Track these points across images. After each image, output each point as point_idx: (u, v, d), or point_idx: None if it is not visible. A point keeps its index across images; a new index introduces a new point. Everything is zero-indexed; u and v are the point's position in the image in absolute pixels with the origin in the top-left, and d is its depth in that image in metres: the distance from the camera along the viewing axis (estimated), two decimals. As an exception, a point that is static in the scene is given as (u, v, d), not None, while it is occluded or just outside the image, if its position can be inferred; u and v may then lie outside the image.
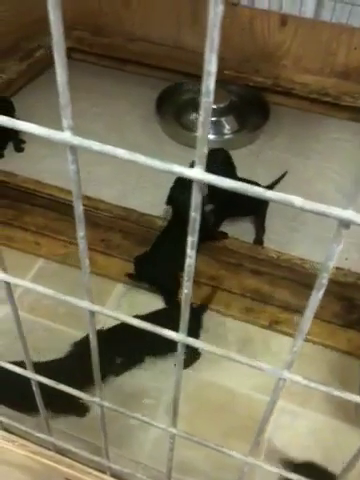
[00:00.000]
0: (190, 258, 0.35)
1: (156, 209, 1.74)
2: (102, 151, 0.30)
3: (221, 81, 2.07)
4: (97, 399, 0.53)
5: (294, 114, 2.14)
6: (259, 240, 1.63)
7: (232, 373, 1.41)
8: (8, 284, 0.46)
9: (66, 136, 0.30)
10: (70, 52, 2.32)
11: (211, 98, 0.27)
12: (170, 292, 1.53)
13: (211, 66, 0.25)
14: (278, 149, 2.00)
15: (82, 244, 0.37)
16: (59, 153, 2.07)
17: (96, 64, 2.27)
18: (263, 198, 0.28)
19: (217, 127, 1.98)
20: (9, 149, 1.94)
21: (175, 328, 0.40)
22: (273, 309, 1.56)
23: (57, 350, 1.45)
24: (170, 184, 1.71)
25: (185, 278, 0.37)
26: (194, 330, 1.44)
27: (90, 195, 1.79)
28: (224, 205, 1.53)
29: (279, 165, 1.88)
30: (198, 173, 0.28)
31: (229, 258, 1.62)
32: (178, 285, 1.54)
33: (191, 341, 0.40)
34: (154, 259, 1.52)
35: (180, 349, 0.42)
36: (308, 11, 2.01)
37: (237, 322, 1.53)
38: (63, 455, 0.69)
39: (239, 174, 1.66)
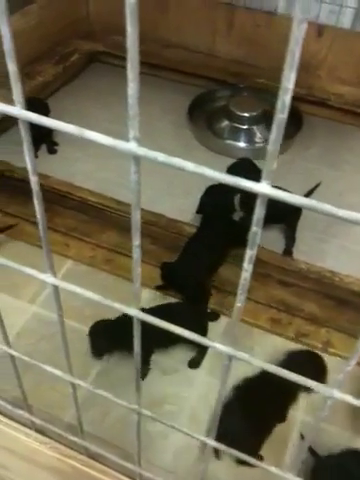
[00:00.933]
0: (246, 272, 0.34)
1: (185, 215, 1.74)
2: (168, 163, 0.30)
3: (254, 89, 2.09)
4: (136, 406, 0.53)
5: (327, 125, 2.12)
6: (289, 251, 1.62)
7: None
8: (56, 287, 0.46)
9: (132, 147, 0.30)
10: (105, 57, 2.35)
11: (286, 114, 0.26)
12: (198, 300, 1.53)
13: (289, 83, 0.24)
14: (310, 160, 1.98)
15: (136, 253, 0.37)
16: (91, 156, 2.11)
17: (130, 69, 2.28)
18: (319, 212, 0.28)
19: (249, 136, 1.98)
20: (42, 151, 1.96)
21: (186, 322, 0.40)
22: (300, 321, 1.54)
23: (82, 352, 1.46)
24: (199, 191, 1.72)
25: (239, 291, 0.37)
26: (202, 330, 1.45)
27: (120, 199, 1.81)
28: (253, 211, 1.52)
29: (311, 176, 1.86)
30: (266, 188, 0.28)
31: (257, 268, 1.59)
32: (207, 293, 1.54)
33: (240, 356, 0.39)
34: (183, 266, 1.52)
35: (228, 362, 0.41)
36: (345, 22, 1.99)
37: (264, 333, 1.52)
38: (94, 459, 0.69)
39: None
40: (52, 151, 1.96)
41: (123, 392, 1.49)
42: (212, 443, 0.53)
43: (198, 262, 1.51)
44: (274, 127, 0.27)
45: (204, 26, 2.11)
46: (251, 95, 2.07)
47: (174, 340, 1.40)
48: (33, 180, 0.37)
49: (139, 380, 0.51)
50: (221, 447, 0.52)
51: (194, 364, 1.46)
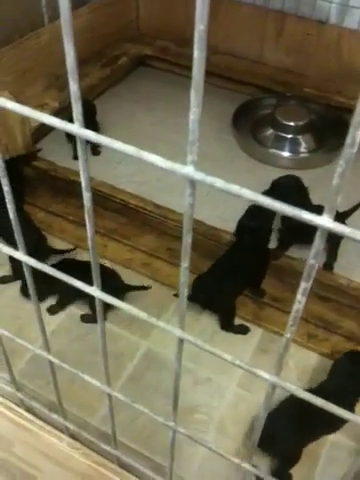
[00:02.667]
0: (299, 303, 0.33)
1: (225, 223, 1.73)
2: (225, 189, 0.29)
3: (301, 98, 2.05)
4: (172, 424, 0.52)
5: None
6: (329, 265, 1.58)
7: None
8: (100, 301, 0.46)
9: (189, 170, 0.30)
10: (152, 61, 2.36)
11: (355, 149, 0.25)
12: (227, 316, 1.51)
13: (361, 117, 0.23)
14: (357, 173, 1.93)
15: (184, 276, 0.37)
16: (133, 159, 2.12)
17: (179, 75, 2.29)
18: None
19: (293, 145, 1.95)
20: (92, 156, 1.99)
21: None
22: (337, 338, 1.51)
23: (114, 354, 1.47)
24: (240, 199, 1.69)
25: (290, 322, 0.36)
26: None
27: (159, 203, 1.81)
28: (295, 230, 1.49)
29: (356, 189, 1.82)
30: (328, 222, 0.27)
31: (295, 280, 1.57)
32: (234, 309, 1.52)
33: (285, 386, 0.38)
34: (212, 283, 1.48)
35: (271, 389, 0.40)
36: None
37: (298, 347, 1.49)
38: (125, 469, 0.69)
39: (313, 195, 1.62)
40: (96, 152, 1.99)
41: (153, 397, 1.50)
42: (247, 467, 0.52)
43: (229, 280, 1.49)
44: (342, 161, 0.25)
45: (253, 33, 2.09)
46: (297, 104, 2.04)
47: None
48: (86, 196, 0.37)
49: (177, 398, 0.50)
50: (256, 472, 0.51)
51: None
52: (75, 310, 1.60)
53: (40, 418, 0.72)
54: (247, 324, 1.55)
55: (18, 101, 1.45)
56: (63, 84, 1.97)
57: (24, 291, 1.58)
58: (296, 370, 1.43)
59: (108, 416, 1.34)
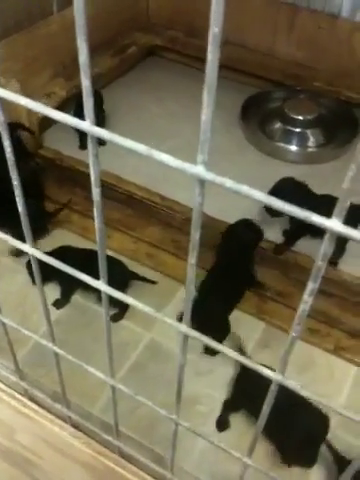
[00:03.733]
0: (306, 303, 0.34)
1: (229, 216, 1.72)
2: (235, 190, 0.29)
3: (311, 92, 2.04)
4: (174, 417, 0.53)
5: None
6: (334, 261, 1.58)
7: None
8: (106, 296, 0.46)
9: (199, 170, 0.30)
10: (162, 51, 2.35)
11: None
12: (223, 334, 1.47)
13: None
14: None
15: (190, 272, 0.37)
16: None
17: (188, 65, 2.27)
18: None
19: (301, 139, 1.93)
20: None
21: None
22: (340, 334, 1.51)
23: (114, 345, 1.48)
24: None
25: (295, 321, 0.36)
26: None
27: (165, 195, 1.80)
28: (301, 223, 1.49)
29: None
30: (338, 226, 0.27)
31: (299, 275, 1.57)
32: (228, 327, 1.48)
33: (289, 384, 0.38)
34: (204, 302, 1.43)
35: (275, 387, 0.41)
36: None
37: (300, 342, 1.49)
38: (126, 459, 0.69)
39: (320, 190, 1.61)
40: (102, 142, 1.98)
41: (155, 388, 1.51)
42: (249, 462, 0.52)
43: (220, 296, 1.47)
44: (353, 166, 0.25)
45: (264, 25, 2.07)
46: (307, 98, 2.02)
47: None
48: (95, 192, 0.37)
49: (180, 391, 0.50)
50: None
51: (114, 319, 1.55)
52: (78, 299, 1.61)
53: (43, 407, 0.73)
54: (249, 317, 1.56)
55: (26, 89, 1.45)
56: (71, 73, 1.96)
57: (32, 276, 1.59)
58: (297, 365, 1.44)
59: (109, 405, 1.35)
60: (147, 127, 2.03)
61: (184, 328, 0.42)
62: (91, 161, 0.35)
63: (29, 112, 1.79)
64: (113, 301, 1.47)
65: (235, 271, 1.51)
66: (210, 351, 1.46)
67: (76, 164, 1.84)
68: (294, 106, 1.95)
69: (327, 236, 0.29)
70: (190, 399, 1.39)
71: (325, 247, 0.29)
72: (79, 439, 0.71)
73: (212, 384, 1.44)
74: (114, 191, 1.82)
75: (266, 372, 0.39)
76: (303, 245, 1.61)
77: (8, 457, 0.92)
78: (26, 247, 0.46)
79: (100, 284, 0.45)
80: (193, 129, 2.11)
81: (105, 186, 1.87)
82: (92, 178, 0.36)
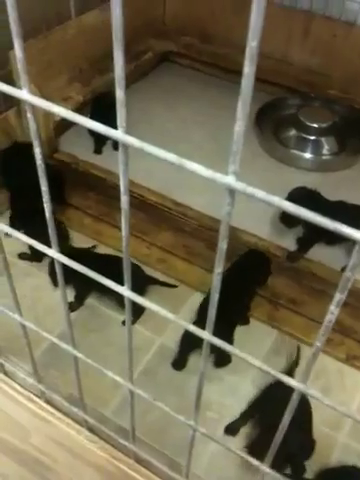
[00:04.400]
0: (332, 314, 0.34)
1: (245, 224, 1.73)
2: (266, 200, 0.30)
3: (325, 100, 2.04)
4: (192, 423, 0.53)
5: None
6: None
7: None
8: (129, 302, 0.47)
9: (230, 180, 0.30)
10: (176, 57, 2.36)
11: None
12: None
13: None
14: None
15: (216, 281, 0.37)
16: (154, 156, 2.12)
17: (202, 72, 2.29)
18: None
19: (315, 147, 1.93)
20: (107, 146, 2.00)
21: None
22: (352, 343, 1.50)
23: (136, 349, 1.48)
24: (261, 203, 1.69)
25: (321, 332, 0.36)
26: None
27: (179, 200, 1.81)
28: (316, 230, 1.48)
29: None
30: (369, 238, 0.27)
31: (313, 283, 1.57)
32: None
33: (313, 394, 0.39)
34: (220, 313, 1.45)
35: (297, 397, 0.41)
36: None
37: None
38: (141, 465, 0.69)
39: (334, 198, 1.61)
40: (117, 147, 1.99)
41: (166, 392, 1.51)
42: (267, 470, 0.52)
43: (230, 306, 1.48)
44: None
45: (279, 32, 2.08)
46: (322, 106, 2.03)
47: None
48: (124, 199, 0.37)
49: (200, 398, 0.51)
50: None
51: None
52: (93, 302, 1.62)
53: (59, 410, 0.73)
54: (261, 325, 1.56)
55: (42, 94, 1.47)
56: (87, 78, 1.98)
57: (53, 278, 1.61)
58: (310, 373, 1.43)
59: (120, 409, 1.36)
60: (159, 132, 2.04)
61: (207, 336, 0.42)
62: (121, 169, 0.36)
63: (45, 116, 1.81)
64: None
65: (243, 288, 1.53)
66: (220, 364, 1.46)
67: (91, 168, 1.85)
68: (309, 113, 1.95)
69: (357, 248, 0.29)
70: (202, 405, 1.39)
71: (354, 258, 0.29)
72: (95, 443, 0.71)
73: (222, 391, 1.43)
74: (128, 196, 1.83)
75: (289, 381, 0.39)
76: (316, 253, 1.60)
77: (21, 460, 0.92)
78: (51, 252, 0.46)
79: (124, 290, 0.45)
80: (204, 135, 2.14)
81: (118, 190, 1.89)
82: (121, 186, 0.37)
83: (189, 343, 1.45)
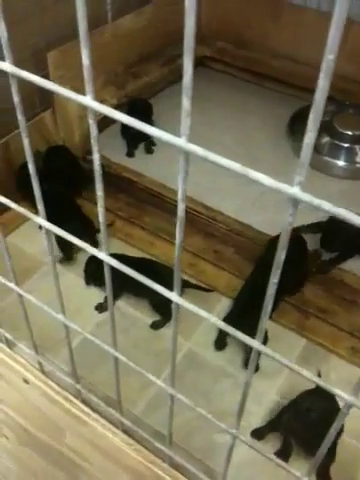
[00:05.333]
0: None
1: (274, 229, 1.72)
2: (332, 212, 0.30)
3: (359, 107, 2.02)
4: (234, 431, 0.53)
5: None
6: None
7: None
8: (177, 305, 0.47)
9: (295, 191, 0.30)
10: (210, 62, 2.37)
11: None
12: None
13: None
14: None
15: (271, 290, 0.37)
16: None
17: (235, 77, 2.29)
18: None
19: (349, 154, 1.91)
20: (139, 150, 2.01)
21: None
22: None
23: (155, 351, 1.49)
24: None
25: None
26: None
27: (209, 205, 1.81)
28: (352, 244, 1.47)
29: None
30: None
31: (344, 293, 1.55)
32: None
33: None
34: (241, 315, 1.43)
35: (346, 410, 0.40)
36: None
37: (342, 361, 1.47)
38: (176, 469, 0.69)
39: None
40: (150, 151, 2.01)
41: (192, 397, 1.50)
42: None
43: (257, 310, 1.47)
44: None
45: (316, 39, 2.04)
46: (356, 113, 2.00)
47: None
48: (180, 207, 0.38)
49: (244, 406, 0.51)
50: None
51: (155, 326, 1.55)
52: (118, 303, 1.63)
53: (95, 411, 0.74)
54: (290, 333, 1.54)
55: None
56: (122, 81, 2.00)
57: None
58: (338, 384, 1.41)
59: (146, 411, 1.36)
60: (191, 135, 2.04)
61: (257, 345, 0.42)
62: (181, 177, 0.36)
63: (80, 119, 1.83)
64: (160, 310, 1.48)
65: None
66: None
67: (123, 171, 1.87)
68: (343, 121, 1.93)
69: None
70: (226, 411, 1.38)
71: None
72: (130, 446, 0.71)
73: (249, 398, 1.42)
74: (158, 199, 1.84)
75: (340, 393, 0.39)
76: (348, 262, 1.59)
77: (54, 459, 0.93)
78: (102, 255, 0.47)
79: (173, 295, 0.46)
80: (235, 139, 2.14)
81: (150, 194, 1.90)
82: (179, 194, 0.37)
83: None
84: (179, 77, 2.33)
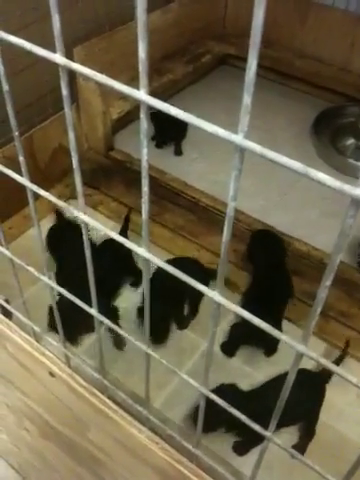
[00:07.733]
0: None
1: (296, 231, 1.70)
2: None
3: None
4: (269, 434, 0.52)
5: None
6: None
7: (348, 418, 1.35)
8: (218, 304, 0.47)
9: (359, 193, 0.30)
10: (235, 60, 2.35)
11: None
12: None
13: None
14: None
15: (323, 294, 0.36)
16: (207, 158, 2.12)
17: (261, 76, 2.27)
18: None
19: (374, 157, 1.89)
20: (167, 149, 2.01)
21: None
22: None
23: (174, 350, 1.48)
24: (314, 207, 1.66)
25: None
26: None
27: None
28: None
29: None
30: None
31: (365, 297, 1.54)
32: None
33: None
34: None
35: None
36: None
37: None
38: (203, 470, 0.69)
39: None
40: (179, 153, 2.01)
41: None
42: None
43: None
44: None
45: (341, 40, 2.04)
46: (381, 116, 1.98)
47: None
48: (230, 206, 0.37)
49: (280, 408, 0.50)
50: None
51: (182, 326, 1.55)
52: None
53: (121, 407, 0.74)
54: (311, 337, 1.52)
55: (102, 91, 1.49)
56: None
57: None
58: (357, 389, 1.39)
59: (163, 409, 1.35)
60: (213, 134, 2.04)
61: (302, 348, 0.41)
62: (233, 175, 0.35)
63: (104, 115, 1.83)
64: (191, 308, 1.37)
65: (272, 281, 1.54)
66: (270, 353, 1.49)
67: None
68: (368, 123, 1.91)
69: None
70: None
71: None
72: (156, 444, 0.71)
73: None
74: (180, 197, 1.83)
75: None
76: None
77: (76, 454, 0.93)
78: (142, 250, 0.46)
79: (215, 294, 0.45)
80: (260, 139, 2.09)
81: (171, 191, 1.90)
82: (231, 192, 0.36)
83: (239, 335, 1.47)
84: (202, 75, 2.33)
